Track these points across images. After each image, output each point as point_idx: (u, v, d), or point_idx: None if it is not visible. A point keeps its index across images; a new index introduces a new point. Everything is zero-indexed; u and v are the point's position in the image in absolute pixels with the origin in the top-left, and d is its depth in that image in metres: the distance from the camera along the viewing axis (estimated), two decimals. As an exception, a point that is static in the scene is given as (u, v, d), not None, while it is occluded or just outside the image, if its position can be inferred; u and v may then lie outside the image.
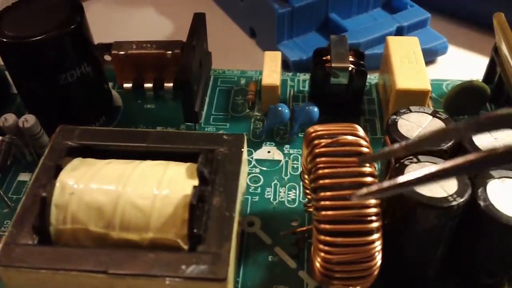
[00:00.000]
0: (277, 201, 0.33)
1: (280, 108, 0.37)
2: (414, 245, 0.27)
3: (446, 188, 0.25)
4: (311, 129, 0.26)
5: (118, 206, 0.25)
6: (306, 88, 0.41)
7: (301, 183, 0.32)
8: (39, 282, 0.25)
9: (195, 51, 0.36)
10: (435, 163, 0.26)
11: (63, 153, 0.29)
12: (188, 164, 0.28)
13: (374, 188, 0.22)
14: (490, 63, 0.40)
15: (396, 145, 0.22)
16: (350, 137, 0.25)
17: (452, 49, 0.46)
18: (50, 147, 0.29)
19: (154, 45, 0.39)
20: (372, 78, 0.42)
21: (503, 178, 0.26)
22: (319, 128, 0.26)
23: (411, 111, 0.30)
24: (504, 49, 0.37)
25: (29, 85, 0.34)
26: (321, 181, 0.24)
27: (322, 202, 0.24)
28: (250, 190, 0.34)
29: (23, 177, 0.35)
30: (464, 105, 0.36)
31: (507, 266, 0.27)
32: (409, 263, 0.28)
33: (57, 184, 0.26)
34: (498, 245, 0.26)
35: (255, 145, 0.37)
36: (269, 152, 0.36)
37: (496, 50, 0.39)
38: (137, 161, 0.28)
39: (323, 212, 0.24)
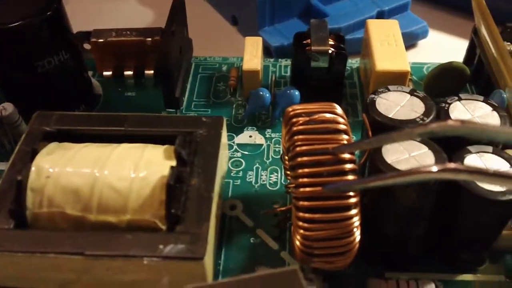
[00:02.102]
0: (259, 184, 0.33)
1: (261, 93, 0.37)
2: (394, 222, 0.27)
3: (423, 163, 0.25)
4: (289, 109, 0.26)
5: (95, 189, 0.25)
6: (288, 74, 0.41)
7: (282, 165, 0.32)
8: (16, 266, 0.24)
9: (174, 36, 0.35)
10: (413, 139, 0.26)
11: (39, 138, 0.28)
12: (166, 146, 0.28)
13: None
14: (469, 45, 0.40)
15: (371, 138, 0.24)
16: (328, 115, 0.25)
17: (433, 33, 0.47)
18: (27, 132, 0.29)
19: (133, 32, 0.39)
20: (354, 62, 0.42)
21: (480, 153, 0.26)
22: (298, 107, 0.26)
23: (389, 90, 0.30)
24: (483, 30, 0.37)
25: (6, 73, 0.34)
26: (299, 159, 0.24)
27: (300, 179, 0.24)
28: (231, 174, 0.34)
29: (2, 166, 0.34)
30: (444, 86, 0.36)
31: (487, 241, 0.28)
32: (390, 241, 0.28)
33: (33, 168, 0.26)
34: (477, 220, 0.26)
35: (236, 130, 0.37)
36: (250, 136, 0.36)
37: (475, 32, 0.39)
38: (114, 144, 0.28)
39: (301, 189, 0.24)
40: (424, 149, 0.26)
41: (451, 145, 0.26)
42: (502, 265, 0.29)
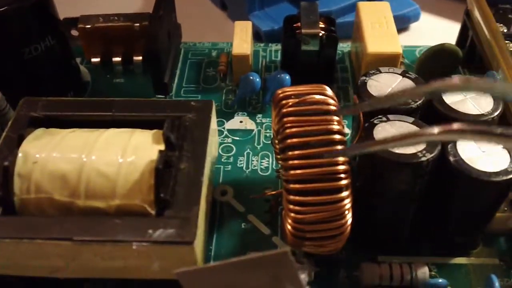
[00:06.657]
0: (249, 169, 0.33)
1: (251, 77, 0.36)
2: (387, 206, 0.27)
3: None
4: (279, 91, 0.26)
5: (83, 174, 0.25)
6: (279, 58, 0.41)
7: (273, 150, 0.32)
8: (4, 252, 0.24)
9: (162, 21, 0.35)
10: (404, 121, 0.26)
11: (26, 124, 0.28)
12: (154, 131, 0.27)
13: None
14: (462, 27, 0.39)
15: (363, 102, 0.22)
16: (317, 96, 0.25)
17: (425, 16, 0.46)
18: (14, 119, 0.29)
19: (121, 17, 0.38)
20: (345, 46, 0.41)
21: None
22: (288, 89, 0.26)
23: (380, 72, 0.29)
24: (475, 12, 0.37)
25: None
26: (289, 141, 0.24)
27: (291, 162, 0.24)
28: (222, 160, 0.33)
29: (-10, 154, 0.34)
30: (436, 69, 0.36)
31: (480, 223, 0.27)
32: (382, 225, 0.28)
33: (20, 153, 0.25)
34: (470, 201, 0.26)
35: (227, 115, 0.36)
36: (241, 122, 0.36)
37: (468, 14, 0.38)
38: (102, 129, 0.27)
39: (292, 172, 0.24)
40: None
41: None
42: (496, 248, 0.29)
